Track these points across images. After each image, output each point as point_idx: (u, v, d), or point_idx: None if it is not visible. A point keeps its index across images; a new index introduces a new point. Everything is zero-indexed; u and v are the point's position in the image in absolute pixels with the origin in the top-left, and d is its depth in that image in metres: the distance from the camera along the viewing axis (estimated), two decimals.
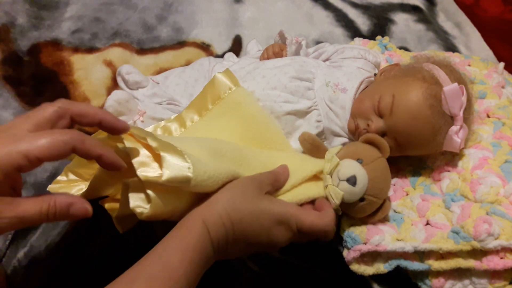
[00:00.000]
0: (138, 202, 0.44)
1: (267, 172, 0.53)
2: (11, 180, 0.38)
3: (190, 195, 0.48)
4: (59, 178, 0.56)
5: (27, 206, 0.37)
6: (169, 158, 0.43)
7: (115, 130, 0.43)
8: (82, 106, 0.42)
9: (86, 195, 0.52)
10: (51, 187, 0.55)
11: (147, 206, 0.44)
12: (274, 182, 0.52)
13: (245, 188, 0.48)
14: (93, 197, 0.54)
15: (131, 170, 0.45)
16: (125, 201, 0.45)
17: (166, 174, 0.42)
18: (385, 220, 0.60)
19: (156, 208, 0.44)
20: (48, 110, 0.40)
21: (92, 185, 0.51)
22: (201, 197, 0.48)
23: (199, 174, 0.45)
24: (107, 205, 0.53)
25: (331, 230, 0.51)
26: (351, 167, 0.55)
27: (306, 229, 0.49)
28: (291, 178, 0.56)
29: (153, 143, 0.44)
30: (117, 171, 0.42)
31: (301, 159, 0.59)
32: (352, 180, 0.54)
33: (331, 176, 0.56)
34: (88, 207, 0.39)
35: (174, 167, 0.43)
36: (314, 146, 0.60)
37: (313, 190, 0.57)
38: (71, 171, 0.55)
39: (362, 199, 0.56)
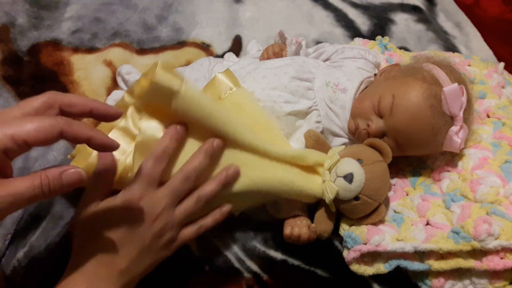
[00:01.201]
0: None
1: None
2: None
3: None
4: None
5: (19, 183, 0.36)
6: (162, 71, 0.48)
7: (108, 117, 0.43)
8: (72, 97, 0.42)
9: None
10: None
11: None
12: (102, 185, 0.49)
13: None
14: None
15: None
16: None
17: (158, 77, 0.47)
18: (384, 221, 0.60)
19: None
20: (37, 100, 0.40)
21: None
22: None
23: (190, 88, 0.48)
24: None
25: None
26: (349, 164, 0.57)
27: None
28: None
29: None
30: (110, 151, 0.42)
31: (305, 151, 0.61)
32: (349, 177, 0.56)
33: (330, 172, 0.57)
34: (81, 172, 0.38)
35: (166, 76, 0.47)
36: (318, 144, 0.61)
37: (309, 181, 0.58)
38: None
39: (357, 198, 0.56)
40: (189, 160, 0.50)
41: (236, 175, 0.53)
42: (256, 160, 0.56)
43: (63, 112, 0.41)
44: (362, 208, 0.58)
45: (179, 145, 0.51)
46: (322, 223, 0.60)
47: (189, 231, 0.52)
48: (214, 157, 0.52)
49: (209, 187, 0.51)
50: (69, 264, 0.46)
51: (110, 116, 0.43)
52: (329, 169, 0.58)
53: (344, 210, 0.59)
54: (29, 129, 0.36)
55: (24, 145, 0.36)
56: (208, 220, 0.54)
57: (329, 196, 0.56)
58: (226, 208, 0.55)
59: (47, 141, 0.37)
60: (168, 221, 0.49)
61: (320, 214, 0.61)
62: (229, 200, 0.57)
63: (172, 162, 0.51)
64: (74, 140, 0.39)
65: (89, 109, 0.42)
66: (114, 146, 0.41)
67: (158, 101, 0.50)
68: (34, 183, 0.36)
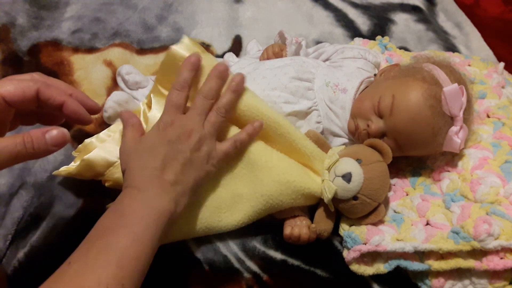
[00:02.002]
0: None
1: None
2: None
3: None
4: (65, 166, 0.63)
5: (3, 140, 0.39)
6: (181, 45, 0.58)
7: (85, 106, 0.46)
8: (56, 80, 0.46)
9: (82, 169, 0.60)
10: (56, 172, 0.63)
11: None
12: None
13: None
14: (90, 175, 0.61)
15: None
16: None
17: (174, 47, 0.57)
18: (384, 221, 0.60)
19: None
20: (24, 75, 0.43)
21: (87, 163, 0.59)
22: None
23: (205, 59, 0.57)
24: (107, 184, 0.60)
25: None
26: (348, 164, 0.57)
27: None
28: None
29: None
30: (83, 124, 0.47)
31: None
32: (347, 177, 0.56)
33: (329, 172, 0.57)
34: (65, 132, 0.41)
35: (182, 46, 0.57)
36: (318, 144, 0.62)
37: (306, 178, 0.59)
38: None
39: (355, 198, 0.57)
40: (203, 84, 0.56)
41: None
42: (260, 156, 0.58)
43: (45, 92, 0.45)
44: (361, 208, 0.58)
45: (196, 73, 0.56)
46: (322, 223, 0.60)
47: (225, 144, 0.56)
48: (223, 79, 0.56)
49: (224, 99, 0.56)
50: (122, 191, 0.48)
51: (88, 107, 0.47)
52: (328, 169, 0.58)
53: (343, 209, 0.59)
54: (7, 88, 0.40)
55: (3, 102, 0.39)
56: (243, 135, 0.57)
57: (327, 196, 0.56)
58: (258, 123, 0.58)
59: (25, 100, 0.40)
60: (201, 135, 0.53)
61: (320, 214, 0.61)
62: (237, 212, 0.59)
63: None
64: (49, 103, 0.42)
65: (69, 93, 0.45)
66: (86, 120, 0.46)
67: (172, 72, 0.56)
68: (16, 140, 0.39)
